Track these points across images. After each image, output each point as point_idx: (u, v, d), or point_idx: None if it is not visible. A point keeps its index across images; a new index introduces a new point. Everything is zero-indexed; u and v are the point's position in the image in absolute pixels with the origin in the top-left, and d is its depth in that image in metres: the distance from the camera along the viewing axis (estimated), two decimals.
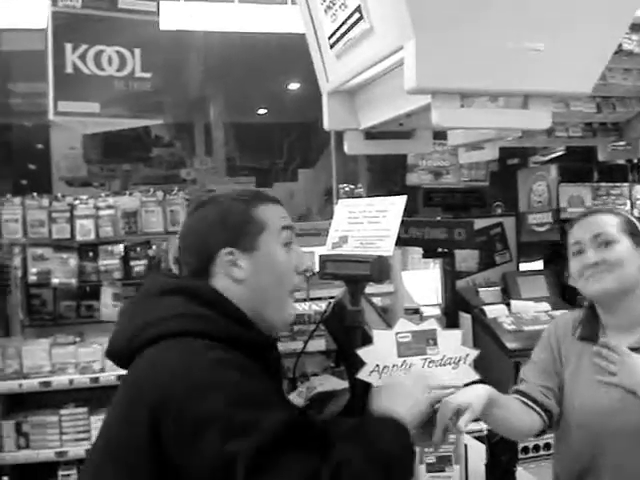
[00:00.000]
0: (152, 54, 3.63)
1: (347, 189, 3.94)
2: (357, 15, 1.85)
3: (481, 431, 2.66)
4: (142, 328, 1.41)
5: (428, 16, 1.56)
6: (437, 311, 3.85)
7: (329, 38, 2.13)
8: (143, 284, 1.62)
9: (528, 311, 3.42)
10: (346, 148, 2.60)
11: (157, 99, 3.62)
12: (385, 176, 4.69)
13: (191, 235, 1.51)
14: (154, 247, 3.62)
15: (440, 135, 3.02)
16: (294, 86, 8.85)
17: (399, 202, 2.34)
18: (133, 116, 3.64)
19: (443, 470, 2.09)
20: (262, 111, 9.42)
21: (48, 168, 6.84)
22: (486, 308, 3.46)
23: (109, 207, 3.62)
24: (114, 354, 1.50)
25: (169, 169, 8.23)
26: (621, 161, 4.00)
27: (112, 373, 3.59)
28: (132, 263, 3.61)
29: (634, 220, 1.95)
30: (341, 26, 2.01)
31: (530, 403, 1.94)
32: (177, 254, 1.54)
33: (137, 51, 3.59)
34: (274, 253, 1.50)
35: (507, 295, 3.67)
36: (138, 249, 3.60)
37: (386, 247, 2.17)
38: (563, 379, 1.97)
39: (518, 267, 3.92)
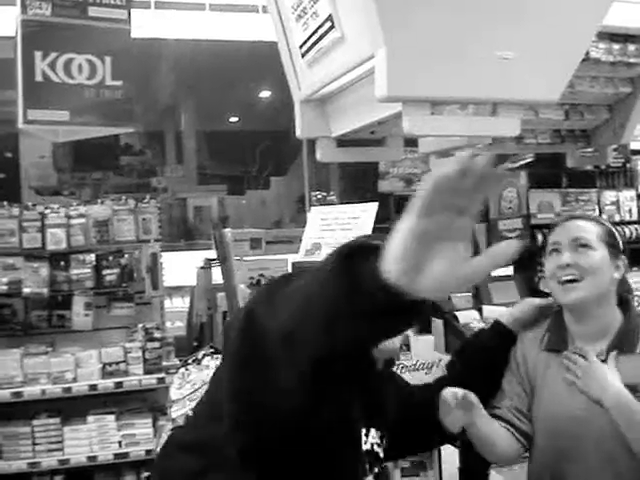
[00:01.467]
0: (123, 62, 3.61)
1: (319, 196, 3.96)
2: (328, 24, 1.87)
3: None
4: None
5: (399, 25, 1.59)
6: None
7: (300, 47, 2.14)
8: None
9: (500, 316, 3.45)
10: (318, 156, 2.61)
11: (128, 107, 3.60)
12: (357, 183, 4.72)
13: None
14: (126, 256, 3.61)
15: (412, 143, 3.05)
16: (265, 94, 8.87)
17: (371, 209, 2.37)
18: (104, 124, 3.61)
19: (417, 475, 2.12)
20: (234, 119, 9.42)
21: (17, 177, 6.77)
22: (458, 314, 3.49)
23: (80, 216, 3.59)
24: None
25: (140, 177, 8.21)
26: (589, 167, 4.06)
27: (84, 383, 3.56)
28: (104, 272, 3.59)
29: (615, 232, 1.98)
30: (312, 35, 2.02)
31: (509, 427, 1.94)
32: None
33: (108, 59, 3.57)
34: None
35: (479, 300, 3.70)
36: (110, 258, 3.58)
37: None
38: (533, 394, 1.98)
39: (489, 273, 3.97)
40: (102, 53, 3.59)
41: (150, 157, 8.85)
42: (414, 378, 2.23)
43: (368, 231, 2.30)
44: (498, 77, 1.71)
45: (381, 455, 1.55)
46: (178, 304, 4.39)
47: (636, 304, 3.95)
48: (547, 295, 2.11)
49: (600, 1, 1.86)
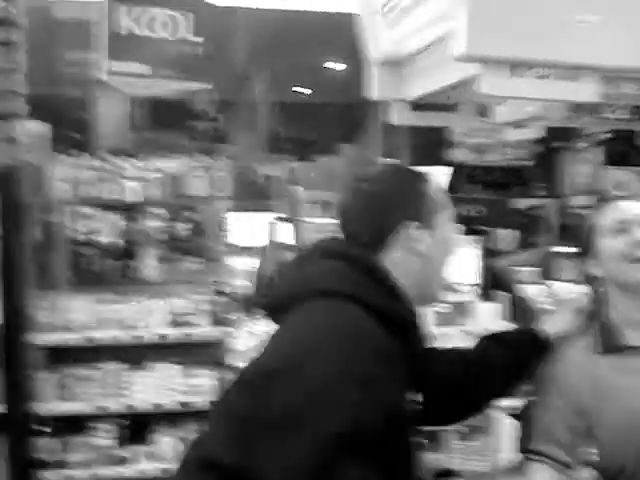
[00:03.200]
0: (205, 20, 3.68)
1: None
2: None
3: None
4: (299, 284, 1.46)
5: None
6: (475, 290, 3.87)
7: (383, 7, 2.16)
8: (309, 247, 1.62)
9: (566, 292, 3.42)
10: (393, 119, 2.63)
11: (207, 64, 3.67)
12: (427, 152, 4.70)
13: (362, 207, 1.52)
14: (199, 212, 3.70)
15: (485, 113, 3.02)
16: (337, 66, 8.86)
17: (442, 173, 2.37)
18: (183, 79, 3.70)
19: (477, 440, 2.12)
20: (305, 90, 9.46)
21: (92, 137, 6.96)
22: (525, 287, 3.47)
23: (157, 170, 3.69)
24: (270, 307, 1.56)
25: (212, 143, 8.31)
26: None
27: (154, 332, 3.68)
28: (177, 226, 3.69)
29: None
30: None
31: (556, 465, 1.83)
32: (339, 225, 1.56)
33: (190, 16, 3.65)
34: (448, 232, 1.54)
35: (546, 276, 3.67)
36: (184, 213, 3.67)
37: None
38: (594, 414, 1.83)
39: (558, 249, 3.92)
40: (185, 9, 3.69)
41: (223, 124, 8.94)
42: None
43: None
44: (581, 41, 1.70)
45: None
46: (245, 263, 4.46)
47: None
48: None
49: None
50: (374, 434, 1.24)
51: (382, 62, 2.39)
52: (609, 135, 3.96)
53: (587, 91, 1.80)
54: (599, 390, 1.82)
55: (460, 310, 2.27)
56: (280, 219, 2.75)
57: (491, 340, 1.92)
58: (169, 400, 3.70)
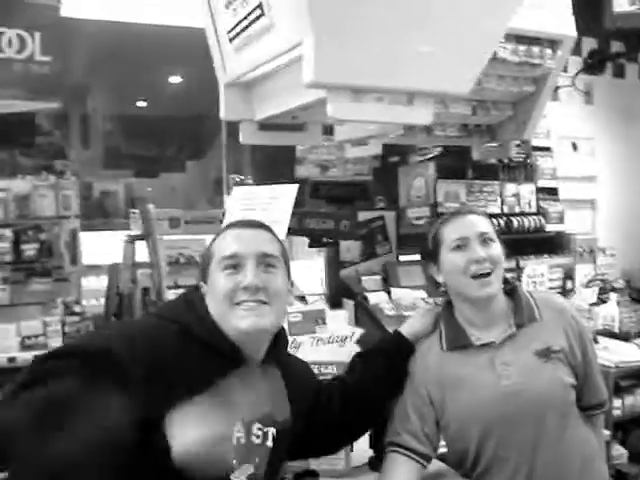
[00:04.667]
0: (52, 39, 3.59)
1: (237, 179, 4.04)
2: (258, 11, 1.97)
3: None
4: None
5: (326, 14, 1.70)
6: (322, 298, 4.01)
7: (229, 32, 2.23)
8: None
9: (407, 298, 3.63)
10: (241, 138, 2.71)
11: (55, 83, 3.58)
12: (273, 169, 4.80)
13: None
14: (46, 231, 3.60)
15: (328, 131, 3.17)
16: (176, 79, 8.82)
17: (291, 190, 2.47)
18: (30, 98, 3.59)
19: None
20: (143, 104, 9.32)
21: None
22: (368, 295, 3.66)
23: (0, 190, 3.57)
24: None
25: (47, 159, 7.98)
26: (493, 160, 4.29)
27: (3, 355, 3.55)
28: (23, 247, 3.57)
29: None
30: (242, 21, 2.11)
31: (411, 455, 1.98)
32: None
33: (37, 35, 3.55)
34: (216, 279, 1.61)
35: (387, 283, 3.87)
36: (29, 233, 3.57)
37: (278, 234, 2.30)
38: (441, 404, 2.02)
39: (398, 257, 4.13)
40: (32, 28, 3.56)
41: (59, 138, 8.61)
42: (328, 351, 2.32)
43: (288, 212, 2.40)
44: (415, 69, 1.86)
45: (267, 444, 1.58)
46: (93, 283, 4.37)
47: (536, 288, 4.23)
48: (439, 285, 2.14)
49: (506, 5, 2.04)
50: None
51: (231, 83, 2.46)
52: (441, 150, 4.25)
53: (422, 114, 1.97)
54: (446, 382, 2.02)
55: (310, 318, 2.39)
56: (132, 237, 2.75)
57: (364, 359, 2.06)
58: None
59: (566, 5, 2.84)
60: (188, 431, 1.42)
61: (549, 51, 2.88)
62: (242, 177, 4.14)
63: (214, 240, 1.69)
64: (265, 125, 2.63)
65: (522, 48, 2.80)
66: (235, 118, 2.61)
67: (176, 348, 1.48)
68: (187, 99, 8.25)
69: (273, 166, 4.74)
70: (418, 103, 1.94)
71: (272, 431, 1.60)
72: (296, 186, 2.38)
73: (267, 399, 1.63)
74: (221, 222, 3.04)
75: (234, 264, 1.59)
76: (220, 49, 2.45)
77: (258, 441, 1.57)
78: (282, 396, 1.70)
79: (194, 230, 3.45)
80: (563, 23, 2.83)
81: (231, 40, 2.24)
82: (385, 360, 2.06)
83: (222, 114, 2.59)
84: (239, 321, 1.54)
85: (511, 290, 2.10)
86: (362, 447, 2.18)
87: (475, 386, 1.98)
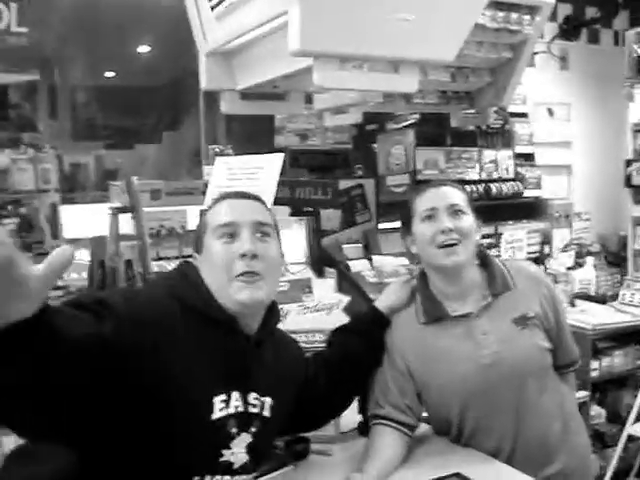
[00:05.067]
0: (29, 9, 3.52)
1: (217, 150, 4.02)
2: None
3: None
4: None
5: None
6: (304, 267, 4.01)
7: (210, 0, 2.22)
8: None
9: (388, 265, 3.66)
10: (223, 108, 2.70)
11: (33, 54, 3.51)
12: (252, 138, 4.78)
13: None
14: (25, 205, 3.56)
15: (307, 99, 3.16)
16: (145, 49, 8.66)
17: (276, 159, 2.47)
18: (8, 71, 3.52)
19: None
20: (114, 74, 9.17)
21: None
22: (350, 263, 3.68)
23: None
24: None
25: (16, 132, 7.83)
26: (471, 127, 4.31)
27: None
28: (3, 222, 3.53)
29: None
30: None
31: (395, 426, 2.00)
32: None
33: (13, 5, 3.47)
34: (213, 248, 1.61)
35: (369, 251, 3.89)
36: (9, 208, 3.52)
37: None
38: (420, 377, 2.03)
39: (378, 225, 4.14)
40: None
41: (29, 110, 8.45)
42: (315, 319, 2.33)
43: (274, 181, 2.40)
44: (400, 38, 1.87)
45: (264, 413, 1.60)
46: (79, 256, 4.31)
47: (514, 254, 4.29)
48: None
49: None
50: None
51: (211, 52, 2.45)
52: (419, 118, 4.26)
53: (407, 82, 1.98)
54: (424, 355, 2.04)
55: (296, 287, 2.40)
56: (116, 209, 2.73)
57: (342, 335, 2.08)
58: None
59: None
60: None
61: (527, 17, 2.89)
62: (222, 147, 4.10)
63: (207, 211, 1.69)
64: (247, 94, 2.62)
65: (501, 14, 2.80)
66: (217, 88, 2.60)
67: (171, 312, 1.50)
68: (158, 68, 8.14)
69: (252, 136, 4.73)
70: (403, 71, 1.95)
71: (269, 401, 1.62)
72: (281, 155, 2.38)
73: (263, 370, 1.65)
74: (203, 193, 3.03)
75: (230, 232, 1.59)
76: (200, 18, 2.43)
77: (255, 410, 1.59)
78: (276, 368, 1.72)
79: (175, 202, 3.43)
80: None
81: (213, 8, 2.22)
82: (361, 338, 2.07)
83: (203, 84, 2.58)
84: (236, 293, 1.55)
85: (484, 260, 2.12)
86: (351, 412, 2.21)
87: (454, 358, 2.00)
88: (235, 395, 1.54)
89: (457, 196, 2.06)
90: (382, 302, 2.14)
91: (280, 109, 2.82)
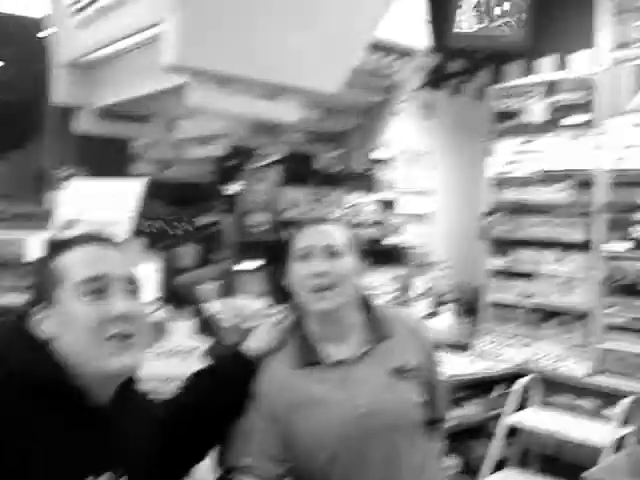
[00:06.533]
0: None
1: (67, 173, 3.68)
2: None
3: None
4: None
5: None
6: (159, 306, 3.77)
7: (74, 2, 1.98)
8: None
9: (246, 308, 3.49)
10: (76, 126, 2.45)
11: None
12: (107, 164, 4.46)
13: None
14: None
15: (172, 127, 2.97)
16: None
17: (135, 187, 2.26)
18: None
19: None
20: None
21: None
22: (205, 304, 3.47)
23: None
24: None
25: None
26: (336, 170, 4.25)
27: None
28: None
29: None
30: None
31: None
32: None
33: None
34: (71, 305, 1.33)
35: (226, 292, 3.71)
36: None
37: (120, 233, 2.09)
38: (288, 425, 1.88)
39: (235, 265, 3.97)
40: None
41: None
42: (168, 365, 2.16)
43: (132, 210, 2.18)
44: (284, 64, 1.73)
45: None
46: None
47: (381, 301, 4.24)
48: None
49: (374, 11, 1.98)
50: None
51: (70, 64, 2.21)
52: (284, 155, 4.14)
53: (287, 111, 1.85)
54: (294, 401, 1.87)
55: (154, 329, 2.18)
56: None
57: (200, 380, 1.85)
58: None
59: (420, 19, 2.84)
60: None
61: (399, 62, 2.87)
62: (71, 171, 3.76)
63: (57, 257, 1.38)
64: (106, 113, 2.39)
65: (374, 57, 2.76)
66: (72, 103, 2.36)
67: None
68: (9, 83, 7.63)
69: (106, 160, 4.41)
70: (285, 99, 1.82)
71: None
72: (141, 182, 2.17)
73: (115, 444, 1.39)
74: (46, 221, 2.73)
75: (98, 288, 1.32)
76: (60, 25, 2.19)
77: None
78: (132, 438, 1.46)
79: (9, 227, 3.06)
80: (415, 36, 2.82)
81: (76, 12, 1.99)
82: (223, 383, 1.87)
83: (54, 97, 2.32)
84: (108, 360, 1.30)
85: (366, 304, 2.01)
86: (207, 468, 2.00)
87: (327, 405, 1.86)
88: None
89: (336, 236, 1.93)
90: (251, 344, 1.95)
91: (141, 132, 2.61)
